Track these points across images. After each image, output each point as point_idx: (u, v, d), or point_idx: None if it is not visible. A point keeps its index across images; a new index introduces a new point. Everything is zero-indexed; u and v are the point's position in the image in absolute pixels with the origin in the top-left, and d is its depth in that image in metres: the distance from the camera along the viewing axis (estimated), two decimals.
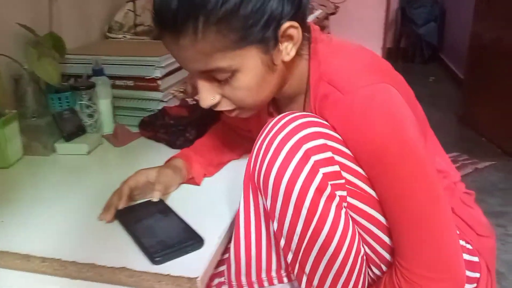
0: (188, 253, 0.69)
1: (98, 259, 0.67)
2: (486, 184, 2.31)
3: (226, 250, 0.78)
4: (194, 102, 1.28)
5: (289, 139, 0.62)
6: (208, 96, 0.68)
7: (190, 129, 1.08)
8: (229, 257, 0.75)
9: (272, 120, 0.66)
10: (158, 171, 0.85)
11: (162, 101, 1.22)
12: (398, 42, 5.10)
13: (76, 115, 1.10)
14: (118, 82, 1.22)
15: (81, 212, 0.82)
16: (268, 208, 0.67)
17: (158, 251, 0.67)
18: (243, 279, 0.76)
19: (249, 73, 0.65)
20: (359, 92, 0.61)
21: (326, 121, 0.66)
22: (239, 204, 0.73)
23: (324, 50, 0.70)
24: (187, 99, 1.29)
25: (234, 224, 0.75)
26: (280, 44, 0.65)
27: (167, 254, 0.67)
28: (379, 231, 0.67)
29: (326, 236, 0.64)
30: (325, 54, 0.69)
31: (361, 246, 0.68)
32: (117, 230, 0.75)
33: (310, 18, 1.64)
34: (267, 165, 0.63)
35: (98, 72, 1.16)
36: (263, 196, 0.67)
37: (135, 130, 1.17)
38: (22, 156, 1.05)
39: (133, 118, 1.23)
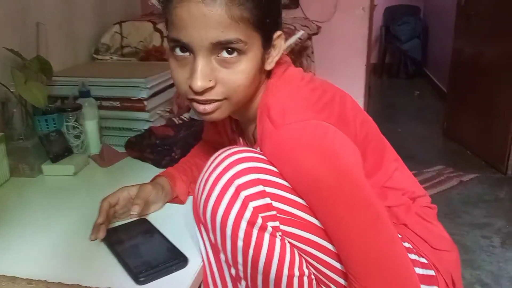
0: (173, 272, 0.70)
1: (84, 280, 0.68)
2: (471, 196, 2.36)
3: None
4: (181, 122, 1.30)
5: (222, 175, 0.67)
6: (206, 76, 0.67)
7: (175, 148, 1.10)
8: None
9: (212, 157, 0.70)
10: (139, 187, 0.87)
11: (148, 121, 1.24)
12: (383, 58, 5.20)
13: (62, 137, 1.12)
14: (104, 103, 1.24)
15: (67, 233, 0.83)
16: (213, 241, 0.71)
17: (142, 271, 0.69)
18: None
19: (251, 60, 0.68)
20: (289, 127, 0.65)
21: (264, 154, 0.69)
22: (198, 239, 0.75)
23: (274, 82, 0.74)
24: (173, 118, 1.31)
25: None
26: (271, 48, 0.71)
27: (151, 274, 0.69)
28: (320, 253, 0.70)
29: (264, 263, 0.68)
30: (273, 86, 0.73)
31: (305, 268, 0.71)
32: (102, 251, 0.77)
33: (293, 40, 1.68)
34: (204, 201, 0.68)
35: (85, 93, 1.18)
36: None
37: (122, 150, 1.19)
38: (9, 178, 1.06)
39: (119, 138, 1.25)
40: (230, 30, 0.64)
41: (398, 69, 5.07)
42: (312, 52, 2.22)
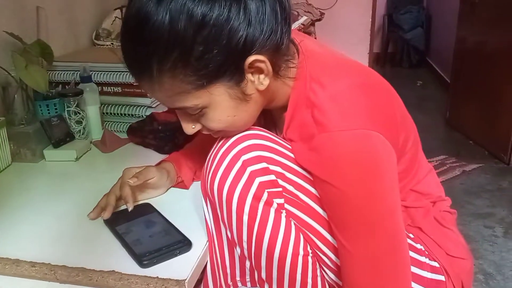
0: (176, 256, 0.70)
1: (87, 263, 0.68)
2: (474, 186, 2.35)
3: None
4: None
5: (230, 151, 0.67)
6: (188, 125, 0.69)
7: (178, 134, 1.09)
8: (205, 266, 0.77)
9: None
10: (144, 167, 0.86)
11: (150, 107, 1.23)
12: (386, 47, 5.16)
13: (64, 122, 1.11)
14: (106, 89, 1.23)
15: (70, 217, 0.83)
16: (219, 217, 0.70)
17: (146, 255, 0.68)
18: (211, 285, 0.77)
19: (217, 108, 0.64)
20: (334, 135, 0.60)
21: (297, 149, 0.67)
22: (204, 215, 0.75)
23: (314, 73, 0.66)
24: None
25: None
26: (251, 76, 0.63)
27: (155, 257, 0.68)
28: (320, 242, 0.69)
29: (269, 239, 0.67)
30: (314, 79, 0.65)
31: (308, 248, 0.70)
32: (106, 234, 0.76)
33: (295, 25, 1.66)
34: (211, 177, 0.68)
35: (86, 79, 1.17)
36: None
37: (124, 136, 1.18)
38: (10, 163, 1.05)
39: (121, 124, 1.24)
40: (173, 101, 0.63)
41: (401, 59, 5.03)
42: (315, 39, 2.20)
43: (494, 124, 2.66)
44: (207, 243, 0.75)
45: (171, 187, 0.91)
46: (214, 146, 0.70)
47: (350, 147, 0.59)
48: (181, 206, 0.85)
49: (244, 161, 0.65)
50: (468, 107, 2.97)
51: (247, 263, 0.72)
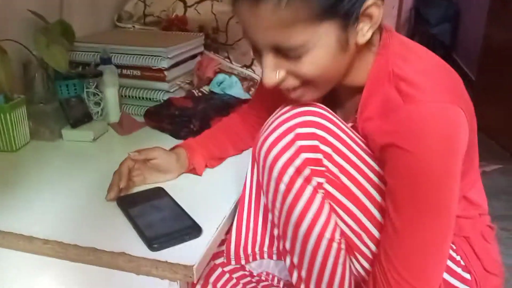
0: (186, 241, 0.70)
1: (99, 244, 0.69)
2: (493, 188, 2.29)
3: (223, 241, 0.80)
4: (200, 94, 1.29)
5: (287, 121, 0.68)
6: (273, 73, 0.64)
7: (194, 120, 1.09)
8: (230, 230, 0.79)
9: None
10: (152, 148, 0.87)
11: (168, 91, 1.23)
12: None
13: (83, 103, 1.12)
14: (125, 72, 1.24)
15: (84, 197, 0.84)
16: (260, 181, 0.73)
17: (156, 238, 0.69)
18: (241, 252, 0.79)
19: (321, 50, 0.61)
20: (424, 105, 0.59)
21: (378, 125, 0.65)
22: (245, 179, 0.78)
23: (397, 49, 0.66)
24: (193, 90, 1.30)
25: (238, 200, 0.81)
26: (358, 23, 0.61)
27: (165, 242, 0.68)
28: (357, 226, 0.69)
29: (299, 214, 0.68)
30: (397, 54, 0.66)
31: (336, 235, 0.69)
32: (118, 216, 0.77)
33: None
34: (262, 141, 0.69)
35: (106, 61, 1.17)
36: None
37: (141, 119, 1.19)
38: (29, 141, 1.07)
39: (139, 108, 1.24)
40: (287, 34, 0.58)
41: None
42: None
43: None
44: (218, 229, 0.74)
45: (183, 172, 0.91)
46: (276, 112, 0.71)
47: (438, 118, 0.59)
48: (194, 192, 0.86)
49: (297, 134, 0.66)
50: (492, 106, 2.89)
51: (275, 231, 0.73)
